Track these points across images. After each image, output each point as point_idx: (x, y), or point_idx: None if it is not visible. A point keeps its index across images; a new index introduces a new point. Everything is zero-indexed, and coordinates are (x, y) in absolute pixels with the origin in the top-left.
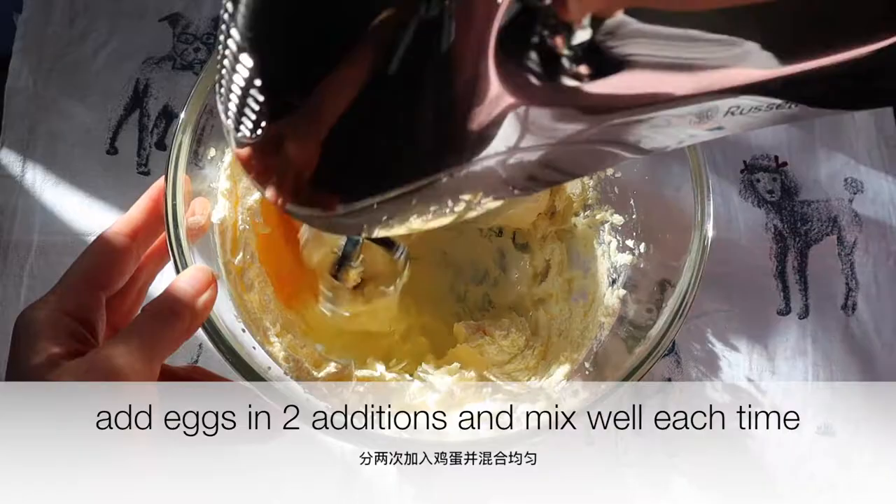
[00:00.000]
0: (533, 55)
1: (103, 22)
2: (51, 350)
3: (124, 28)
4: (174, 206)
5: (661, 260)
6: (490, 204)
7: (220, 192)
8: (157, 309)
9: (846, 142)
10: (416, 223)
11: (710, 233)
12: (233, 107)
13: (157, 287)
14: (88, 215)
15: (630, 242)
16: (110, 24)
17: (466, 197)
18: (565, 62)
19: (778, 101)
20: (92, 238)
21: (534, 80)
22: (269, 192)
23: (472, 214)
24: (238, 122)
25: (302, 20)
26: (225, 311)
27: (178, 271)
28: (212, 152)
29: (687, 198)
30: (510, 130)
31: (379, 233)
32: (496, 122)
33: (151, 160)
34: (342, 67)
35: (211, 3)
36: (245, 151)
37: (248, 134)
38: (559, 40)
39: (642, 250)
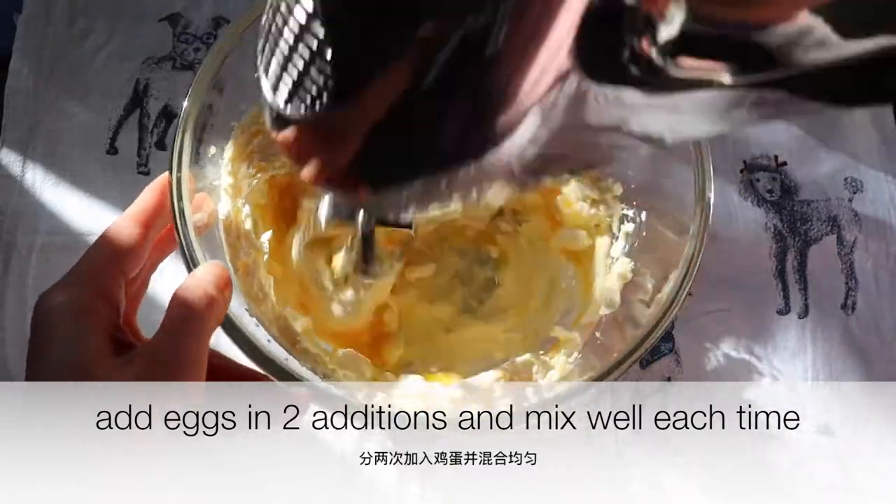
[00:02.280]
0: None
1: (103, 22)
2: (95, 341)
3: (124, 28)
4: (181, 205)
5: (662, 230)
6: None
7: (222, 189)
8: (190, 295)
9: (846, 141)
10: (434, 209)
11: (711, 206)
12: (288, 82)
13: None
14: (88, 215)
15: (630, 212)
16: (110, 24)
17: (484, 185)
18: (655, 59)
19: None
20: (93, 238)
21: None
22: (304, 173)
23: (487, 199)
24: (289, 100)
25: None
26: (238, 307)
27: (189, 270)
28: (212, 150)
29: (687, 174)
30: (533, 124)
31: (395, 216)
32: (526, 116)
33: (151, 160)
34: (392, 65)
35: (211, 2)
36: (286, 132)
37: (299, 112)
38: (645, 42)
39: (643, 219)
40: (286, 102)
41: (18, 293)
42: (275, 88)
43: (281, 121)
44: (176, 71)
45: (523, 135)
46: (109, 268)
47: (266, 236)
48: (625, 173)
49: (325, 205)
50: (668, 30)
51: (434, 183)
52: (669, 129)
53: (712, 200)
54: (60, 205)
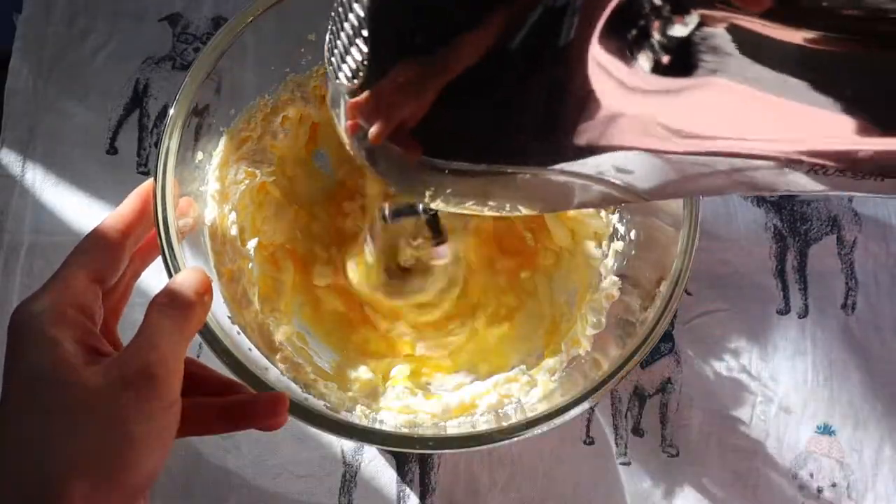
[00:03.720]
0: (629, 39)
1: (103, 22)
2: (68, 348)
3: (124, 28)
4: (164, 212)
5: (651, 247)
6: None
7: (209, 195)
8: (168, 301)
9: None
10: (470, 207)
11: (699, 223)
12: (357, 47)
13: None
14: (88, 215)
15: (621, 229)
16: (110, 24)
17: (521, 203)
18: (653, 46)
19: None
20: None
21: (621, 67)
22: (372, 130)
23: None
24: (375, 43)
25: None
26: (220, 314)
27: (170, 276)
28: (200, 155)
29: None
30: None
31: (435, 203)
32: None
33: (151, 160)
34: (472, 30)
35: (211, 2)
36: (357, 90)
37: (366, 76)
38: (656, 25)
39: (633, 237)
40: (370, 44)
41: (19, 293)
42: (344, 50)
43: (358, 80)
44: (176, 71)
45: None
46: (86, 276)
47: (252, 244)
48: None
49: (386, 209)
50: (679, 29)
51: (486, 175)
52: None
53: (701, 205)
54: (60, 205)
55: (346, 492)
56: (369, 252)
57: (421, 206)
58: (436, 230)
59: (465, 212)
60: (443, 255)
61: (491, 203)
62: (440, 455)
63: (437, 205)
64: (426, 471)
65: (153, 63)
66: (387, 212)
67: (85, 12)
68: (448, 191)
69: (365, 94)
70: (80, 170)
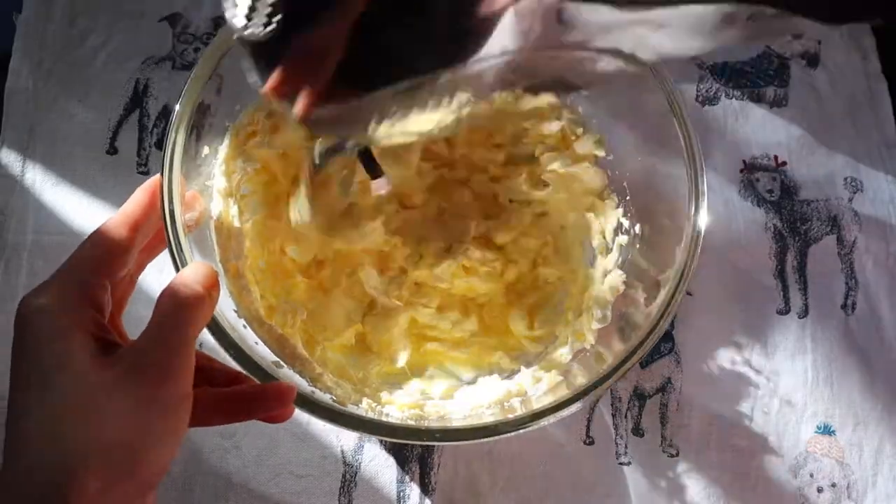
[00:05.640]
0: None
1: (103, 22)
2: (80, 340)
3: (124, 28)
4: (171, 206)
5: (656, 241)
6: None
7: (215, 190)
8: (177, 295)
9: (846, 141)
10: (414, 122)
11: (704, 218)
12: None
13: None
14: (88, 215)
15: (625, 223)
16: (110, 24)
17: (460, 95)
18: None
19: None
20: None
21: None
22: (297, 106)
23: (454, 115)
24: (266, 25)
25: None
26: (226, 308)
27: (177, 270)
28: (206, 150)
29: (681, 182)
30: (507, 31)
31: (382, 132)
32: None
33: (151, 160)
34: None
35: (211, 3)
36: (274, 74)
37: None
38: None
39: (637, 231)
40: (266, 23)
41: (17, 293)
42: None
43: (266, 61)
44: (176, 71)
45: (499, 41)
46: (95, 269)
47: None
48: (620, 188)
49: (317, 147)
50: None
51: (416, 84)
52: (648, 46)
53: (705, 201)
54: (60, 205)
55: (346, 492)
56: (305, 194)
57: (349, 144)
58: (370, 166)
59: (406, 137)
60: (381, 188)
61: (430, 105)
62: (440, 455)
63: (381, 132)
64: (426, 471)
65: (153, 63)
66: (316, 154)
67: (85, 12)
68: (393, 110)
69: (284, 66)
70: (80, 170)
